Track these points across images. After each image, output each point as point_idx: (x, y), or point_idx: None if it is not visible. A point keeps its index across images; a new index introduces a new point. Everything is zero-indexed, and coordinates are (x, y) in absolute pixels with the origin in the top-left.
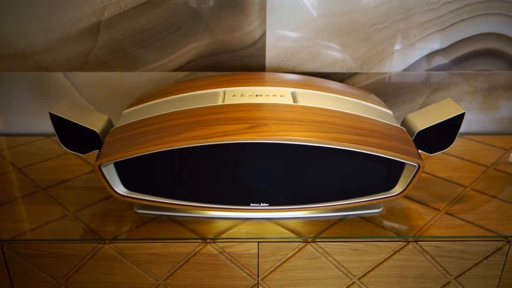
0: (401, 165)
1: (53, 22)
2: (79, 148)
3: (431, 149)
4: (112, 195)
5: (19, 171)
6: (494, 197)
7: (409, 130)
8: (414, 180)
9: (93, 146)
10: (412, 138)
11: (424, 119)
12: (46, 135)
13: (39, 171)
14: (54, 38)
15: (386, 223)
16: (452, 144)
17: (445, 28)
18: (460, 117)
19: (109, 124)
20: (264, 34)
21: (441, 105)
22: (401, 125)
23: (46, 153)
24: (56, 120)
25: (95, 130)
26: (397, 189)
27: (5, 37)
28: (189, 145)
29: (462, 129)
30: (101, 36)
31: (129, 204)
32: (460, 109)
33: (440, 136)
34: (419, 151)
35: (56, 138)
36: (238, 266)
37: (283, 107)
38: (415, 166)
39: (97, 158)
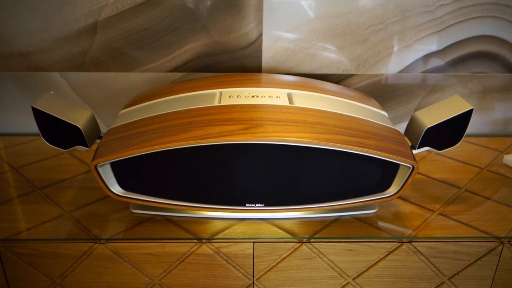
0: (396, 166)
1: (50, 22)
2: (61, 143)
3: (440, 146)
4: (108, 195)
5: (15, 171)
6: (488, 198)
7: (418, 127)
8: (409, 181)
9: (75, 141)
10: (421, 135)
11: (432, 116)
12: None
13: (35, 171)
14: (51, 38)
15: (380, 223)
16: (461, 140)
17: (440, 30)
18: (468, 114)
19: (93, 120)
20: (260, 35)
21: (448, 102)
22: (409, 122)
23: (42, 153)
24: (38, 114)
25: (78, 126)
26: (392, 190)
27: (1, 37)
28: (185, 145)
29: None
30: (98, 36)
31: (125, 204)
32: (468, 105)
33: (449, 132)
34: (429, 148)
35: None
36: (233, 266)
37: (278, 108)
38: (409, 167)
39: (94, 158)
